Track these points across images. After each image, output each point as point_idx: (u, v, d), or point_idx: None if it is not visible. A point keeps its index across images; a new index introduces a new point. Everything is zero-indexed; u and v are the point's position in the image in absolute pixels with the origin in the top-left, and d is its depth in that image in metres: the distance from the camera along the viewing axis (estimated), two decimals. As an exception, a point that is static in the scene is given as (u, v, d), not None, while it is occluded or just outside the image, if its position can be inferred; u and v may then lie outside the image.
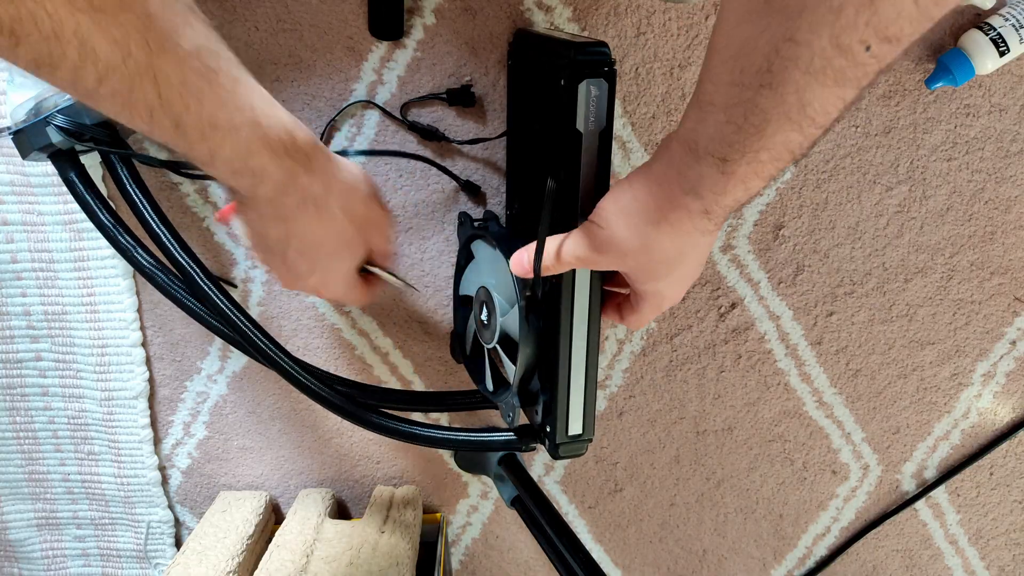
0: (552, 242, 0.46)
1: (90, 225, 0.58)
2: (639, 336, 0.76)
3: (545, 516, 0.68)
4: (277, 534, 0.71)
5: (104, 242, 0.62)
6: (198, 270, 0.54)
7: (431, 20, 0.63)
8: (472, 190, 0.68)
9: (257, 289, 0.71)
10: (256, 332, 0.56)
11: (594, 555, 0.64)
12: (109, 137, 0.54)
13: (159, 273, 0.57)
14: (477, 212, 0.69)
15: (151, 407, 0.75)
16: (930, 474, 0.83)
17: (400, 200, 0.68)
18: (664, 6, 0.63)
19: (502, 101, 0.65)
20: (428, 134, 0.66)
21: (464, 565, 0.86)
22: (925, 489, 0.83)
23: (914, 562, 0.87)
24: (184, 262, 0.54)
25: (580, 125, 0.46)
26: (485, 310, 0.59)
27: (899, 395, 0.79)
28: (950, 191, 0.71)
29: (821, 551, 0.87)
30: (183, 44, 0.34)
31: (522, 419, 0.60)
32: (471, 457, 0.79)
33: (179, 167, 0.64)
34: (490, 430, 0.62)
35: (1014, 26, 0.62)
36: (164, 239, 0.54)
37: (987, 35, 0.63)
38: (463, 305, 0.67)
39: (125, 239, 0.56)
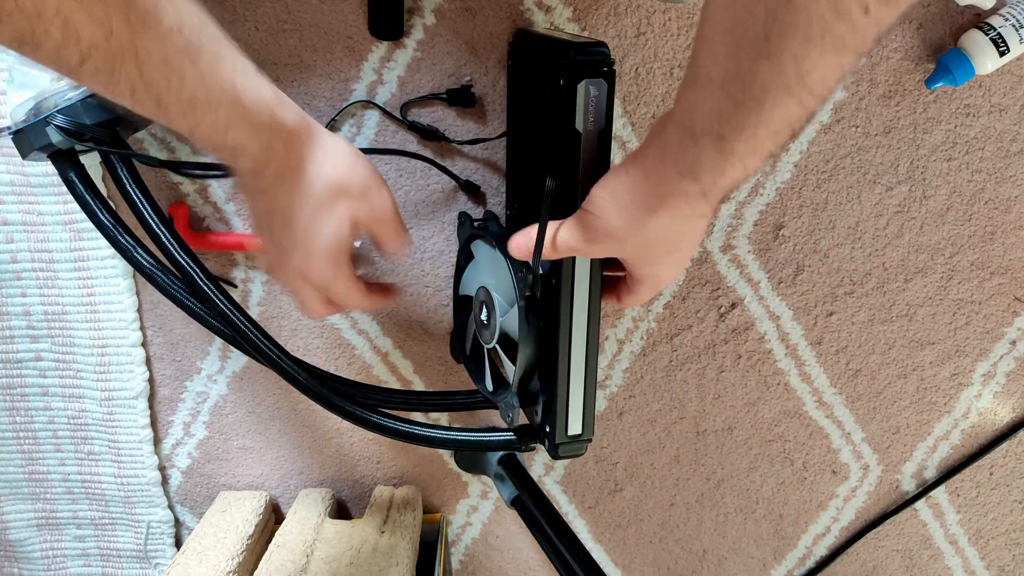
0: (547, 230, 0.46)
1: (90, 225, 0.58)
2: (639, 336, 0.76)
3: (545, 516, 0.68)
4: (277, 534, 0.71)
5: (104, 242, 0.62)
6: (198, 270, 0.54)
7: (431, 20, 0.63)
8: (472, 190, 0.68)
9: (257, 289, 0.71)
10: (256, 332, 0.56)
11: (594, 555, 0.64)
12: (109, 137, 0.54)
13: (159, 273, 0.57)
14: (477, 212, 0.69)
15: (151, 407, 0.75)
16: (930, 474, 0.83)
17: (400, 200, 0.68)
18: (664, 6, 0.63)
19: (502, 101, 0.65)
20: (428, 134, 0.66)
21: (464, 565, 0.86)
22: (925, 489, 0.83)
23: (914, 562, 0.87)
24: (184, 262, 0.54)
25: (579, 125, 0.46)
26: (485, 310, 0.59)
27: (899, 395, 0.79)
28: (950, 191, 0.71)
29: (821, 551, 0.87)
30: (165, 21, 0.34)
31: (522, 419, 0.60)
32: (471, 457, 0.79)
33: (179, 167, 0.64)
34: (490, 430, 0.62)
35: (1014, 26, 0.62)
36: (164, 239, 0.54)
37: (987, 35, 0.63)
38: (463, 305, 0.67)
39: (125, 239, 0.56)
